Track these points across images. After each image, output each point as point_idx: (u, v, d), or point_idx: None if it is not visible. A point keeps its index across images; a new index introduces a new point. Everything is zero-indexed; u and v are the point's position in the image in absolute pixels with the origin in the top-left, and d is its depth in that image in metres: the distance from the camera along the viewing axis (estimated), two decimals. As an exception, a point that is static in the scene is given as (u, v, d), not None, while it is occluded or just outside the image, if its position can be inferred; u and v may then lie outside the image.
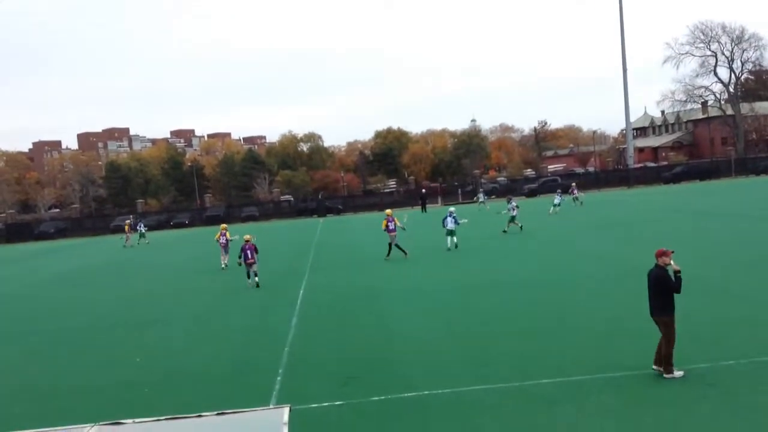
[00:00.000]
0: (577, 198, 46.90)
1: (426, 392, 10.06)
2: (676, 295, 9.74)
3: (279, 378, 11.47)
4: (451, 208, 29.09)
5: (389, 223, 25.78)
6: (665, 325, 9.74)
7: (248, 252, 21.73)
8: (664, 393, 9.21)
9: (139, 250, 43.56)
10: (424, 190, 66.16)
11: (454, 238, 27.48)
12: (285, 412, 4.34)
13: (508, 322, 14.08)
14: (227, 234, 27.75)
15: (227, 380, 11.75)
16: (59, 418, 9.89)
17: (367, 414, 9.48)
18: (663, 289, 9.72)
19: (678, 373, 9.71)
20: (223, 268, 27.25)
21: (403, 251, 25.72)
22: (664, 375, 9.73)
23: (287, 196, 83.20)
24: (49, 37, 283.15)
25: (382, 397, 10.03)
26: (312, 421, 9.19)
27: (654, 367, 9.97)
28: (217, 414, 4.55)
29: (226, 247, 27.63)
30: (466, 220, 29.85)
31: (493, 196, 64.19)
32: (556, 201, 42.54)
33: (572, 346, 11.78)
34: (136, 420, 4.67)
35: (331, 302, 18.19)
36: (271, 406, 9.04)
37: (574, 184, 49.93)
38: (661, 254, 9.89)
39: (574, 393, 9.47)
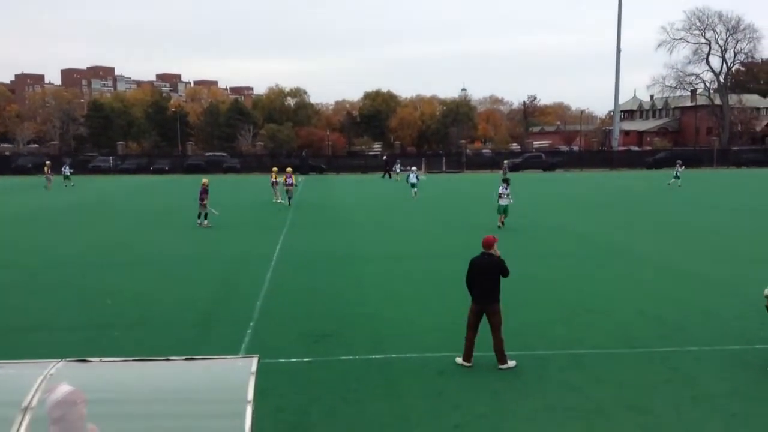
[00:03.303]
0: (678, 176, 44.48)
1: (394, 355, 10.19)
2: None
3: (249, 331, 11.53)
4: (413, 167, 41.42)
5: (288, 179, 32.61)
6: (497, 314, 9.47)
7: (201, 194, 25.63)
8: (627, 373, 9.39)
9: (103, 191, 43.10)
10: (385, 157, 68.51)
11: (416, 190, 36.49)
12: (254, 362, 4.35)
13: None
14: (293, 177, 33.03)
15: (196, 328, 11.79)
16: (25, 353, 9.86)
17: (333, 371, 9.58)
18: (497, 276, 9.53)
19: (512, 363, 9.55)
20: (275, 202, 33.73)
21: (288, 202, 32.54)
22: (500, 366, 9.51)
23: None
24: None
25: (351, 357, 10.14)
26: (279, 375, 9.27)
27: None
28: (186, 359, 4.56)
29: (291, 186, 32.93)
30: (425, 177, 40.30)
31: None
32: (678, 172, 44.50)
33: (538, 321, 11.95)
34: (104, 359, 4.67)
35: (308, 260, 18.20)
36: (239, 356, 9.09)
37: (679, 161, 47.36)
38: (493, 241, 9.72)
39: (537, 367, 9.62)
